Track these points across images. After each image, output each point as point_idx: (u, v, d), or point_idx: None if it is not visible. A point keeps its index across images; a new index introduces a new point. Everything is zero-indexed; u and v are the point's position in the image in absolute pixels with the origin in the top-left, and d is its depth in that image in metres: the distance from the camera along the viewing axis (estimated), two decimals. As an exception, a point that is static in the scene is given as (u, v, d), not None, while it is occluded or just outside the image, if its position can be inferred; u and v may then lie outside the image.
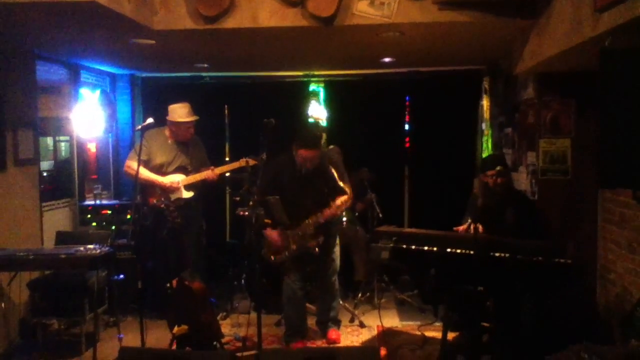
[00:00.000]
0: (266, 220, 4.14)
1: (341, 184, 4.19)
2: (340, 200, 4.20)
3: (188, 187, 4.76)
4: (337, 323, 4.55)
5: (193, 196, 4.82)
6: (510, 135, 5.18)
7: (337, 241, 4.49)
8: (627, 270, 3.86)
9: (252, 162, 4.60)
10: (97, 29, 3.83)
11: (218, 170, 4.69)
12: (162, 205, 4.10)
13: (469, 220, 3.90)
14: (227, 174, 5.15)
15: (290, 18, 3.74)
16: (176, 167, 4.77)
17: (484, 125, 5.92)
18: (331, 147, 5.87)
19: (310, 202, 4.20)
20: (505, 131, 5.33)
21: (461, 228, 3.96)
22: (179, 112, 4.73)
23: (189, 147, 4.86)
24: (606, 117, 2.66)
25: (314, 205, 4.19)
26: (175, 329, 3.72)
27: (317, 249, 4.18)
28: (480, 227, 3.72)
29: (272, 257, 4.26)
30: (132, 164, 4.58)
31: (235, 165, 4.72)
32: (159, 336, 4.33)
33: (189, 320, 3.74)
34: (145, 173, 4.68)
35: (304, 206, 4.20)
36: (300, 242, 4.18)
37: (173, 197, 4.65)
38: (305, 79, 6.31)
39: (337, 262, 4.47)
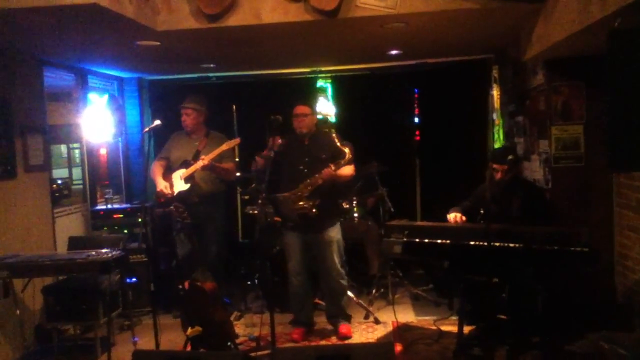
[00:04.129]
0: (275, 218, 4.13)
1: (341, 146, 4.18)
2: (341, 164, 4.17)
3: (186, 180, 4.73)
4: (347, 318, 4.54)
5: (210, 191, 4.82)
6: (522, 123, 5.10)
7: (340, 235, 4.44)
8: (645, 257, 3.78)
9: (233, 142, 4.62)
10: (100, 32, 3.83)
11: (206, 158, 4.62)
12: (172, 207, 4.11)
13: (455, 212, 3.93)
14: (238, 174, 5.14)
15: (293, 13, 3.71)
16: (181, 162, 4.80)
17: (494, 115, 5.84)
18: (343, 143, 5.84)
19: (310, 169, 4.23)
20: (516, 119, 5.25)
21: (452, 217, 3.94)
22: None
23: (204, 142, 4.86)
24: (615, 99, 2.60)
25: (313, 172, 4.21)
26: (189, 330, 3.70)
27: (314, 210, 4.15)
28: (462, 218, 3.85)
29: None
30: (152, 166, 4.86)
31: (222, 148, 4.62)
32: (174, 338, 4.33)
33: (202, 321, 3.73)
34: (154, 174, 4.84)
35: (305, 174, 4.23)
36: (297, 203, 4.15)
37: (175, 191, 4.70)
38: (313, 75, 6.27)
39: (341, 257, 4.43)
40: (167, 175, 4.83)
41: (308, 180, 4.18)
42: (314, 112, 4.45)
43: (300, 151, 4.35)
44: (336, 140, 4.20)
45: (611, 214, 4.26)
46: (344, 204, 5.31)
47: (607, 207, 4.28)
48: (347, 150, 4.17)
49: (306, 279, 4.41)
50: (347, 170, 4.27)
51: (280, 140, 4.22)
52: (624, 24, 2.76)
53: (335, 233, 4.38)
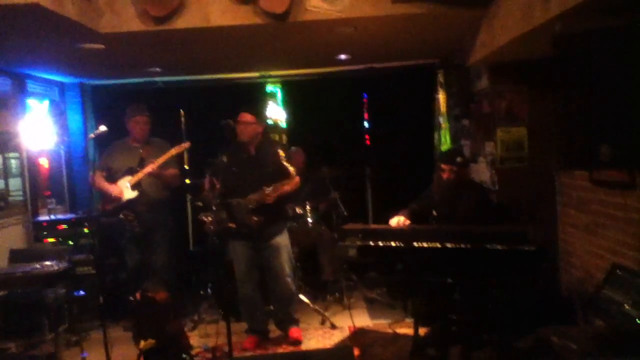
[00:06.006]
0: (230, 224, 4.06)
1: (286, 163, 4.09)
2: (284, 184, 4.12)
3: (133, 187, 4.63)
4: (295, 322, 4.50)
5: (158, 198, 4.74)
6: (467, 126, 5.24)
7: (287, 241, 4.41)
8: (587, 253, 3.94)
9: (183, 146, 4.57)
10: (41, 34, 3.67)
11: (156, 162, 4.57)
12: (121, 216, 3.99)
13: (400, 216, 3.94)
14: (188, 181, 5.04)
15: (243, 16, 3.67)
16: (125, 170, 4.68)
17: (441, 119, 5.96)
18: (294, 149, 5.82)
19: (257, 181, 4.15)
20: (462, 122, 5.39)
21: (394, 222, 3.95)
22: (129, 111, 4.84)
23: (146, 149, 4.76)
24: (562, 102, 2.71)
25: (259, 184, 4.13)
26: (142, 343, 3.59)
27: (254, 224, 4.11)
28: (405, 222, 3.86)
29: (212, 228, 4.17)
30: (93, 177, 4.70)
31: (171, 152, 4.59)
32: (125, 351, 4.17)
33: (155, 333, 3.62)
34: (99, 182, 4.68)
35: (251, 187, 4.15)
36: (240, 215, 4.09)
37: (124, 198, 4.59)
38: (262, 80, 6.23)
39: (290, 262, 4.40)
40: (110, 183, 4.69)
41: (252, 197, 4.10)
42: (260, 121, 4.33)
43: (247, 161, 4.27)
44: (282, 157, 4.09)
45: (555, 212, 4.42)
46: (297, 209, 5.29)
47: (550, 205, 4.44)
48: (291, 170, 4.08)
49: (253, 288, 4.35)
50: (289, 186, 4.16)
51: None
52: (564, 28, 2.88)
53: (282, 239, 4.34)
